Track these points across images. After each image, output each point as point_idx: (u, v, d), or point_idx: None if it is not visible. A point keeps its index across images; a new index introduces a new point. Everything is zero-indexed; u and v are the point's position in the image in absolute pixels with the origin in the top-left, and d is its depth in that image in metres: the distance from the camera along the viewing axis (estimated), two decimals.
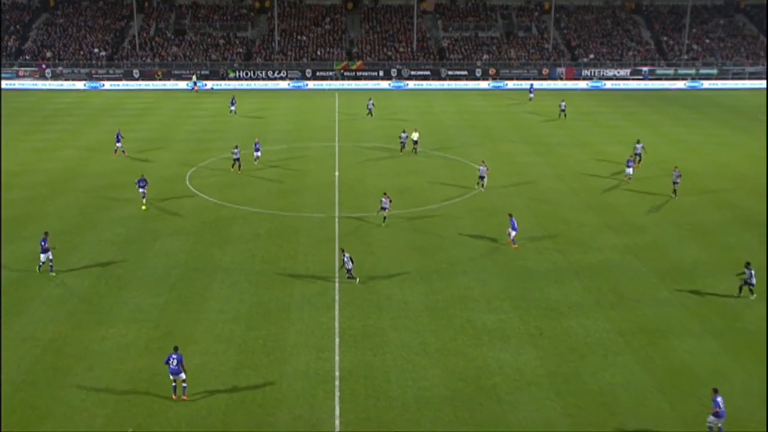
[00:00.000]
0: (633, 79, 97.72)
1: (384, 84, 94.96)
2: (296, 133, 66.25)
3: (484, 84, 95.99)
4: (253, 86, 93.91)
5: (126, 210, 43.93)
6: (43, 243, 34.28)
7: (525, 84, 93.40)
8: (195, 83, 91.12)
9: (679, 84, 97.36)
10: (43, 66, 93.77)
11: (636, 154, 54.14)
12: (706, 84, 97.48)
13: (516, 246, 38.59)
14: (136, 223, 41.85)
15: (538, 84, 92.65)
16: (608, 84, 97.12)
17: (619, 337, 29.58)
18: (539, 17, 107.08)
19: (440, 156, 57.68)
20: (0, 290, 32.69)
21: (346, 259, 33.48)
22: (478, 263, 36.66)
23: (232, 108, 74.53)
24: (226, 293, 33.05)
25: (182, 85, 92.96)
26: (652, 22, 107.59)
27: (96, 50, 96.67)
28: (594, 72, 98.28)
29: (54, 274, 34.41)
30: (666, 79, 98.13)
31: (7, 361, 27.18)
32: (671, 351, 28.53)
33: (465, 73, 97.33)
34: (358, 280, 33.91)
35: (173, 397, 25.02)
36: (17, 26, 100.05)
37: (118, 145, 56.51)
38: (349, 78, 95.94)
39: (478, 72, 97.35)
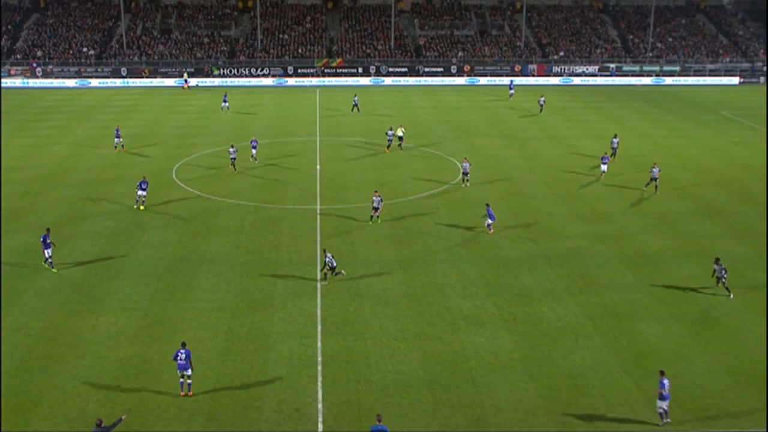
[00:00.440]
0: (601, 76, 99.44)
1: (364, 80, 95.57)
2: (279, 129, 66.83)
3: (459, 80, 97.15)
4: (236, 83, 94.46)
5: (115, 204, 44.38)
6: (46, 239, 34.31)
7: (499, 80, 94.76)
8: (186, 80, 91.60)
9: (645, 80, 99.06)
10: (34, 65, 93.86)
11: (612, 149, 55.09)
12: (669, 80, 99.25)
13: (492, 232, 39.70)
14: (125, 216, 42.31)
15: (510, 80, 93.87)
16: (577, 80, 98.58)
17: (588, 321, 30.46)
18: (512, 16, 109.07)
19: (417, 150, 58.47)
20: (0, 285, 32.97)
21: (328, 259, 33.10)
22: (454, 252, 37.57)
23: (225, 104, 74.23)
24: (212, 283, 33.62)
25: (168, 82, 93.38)
26: (619, 21, 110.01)
27: (85, 49, 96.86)
28: (564, 69, 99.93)
29: (56, 270, 34.56)
30: (632, 75, 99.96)
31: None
32: (637, 334, 29.40)
33: (441, 69, 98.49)
34: (344, 272, 34.05)
35: (180, 394, 24.92)
36: (8, 26, 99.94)
37: (118, 140, 57.08)
38: (329, 75, 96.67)
39: (454, 69, 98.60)
